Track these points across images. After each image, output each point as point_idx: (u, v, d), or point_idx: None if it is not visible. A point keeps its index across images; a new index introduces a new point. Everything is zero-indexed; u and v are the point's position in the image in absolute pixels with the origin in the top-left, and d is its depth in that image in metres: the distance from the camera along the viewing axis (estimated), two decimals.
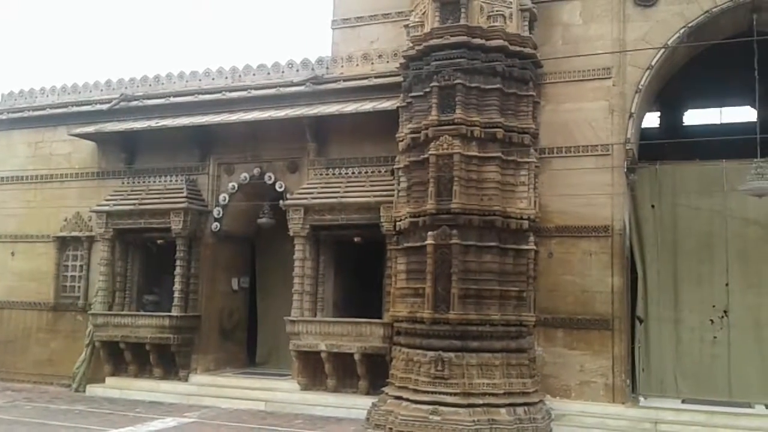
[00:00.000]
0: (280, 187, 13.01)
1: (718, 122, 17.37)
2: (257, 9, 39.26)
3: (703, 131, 16.68)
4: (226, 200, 13.58)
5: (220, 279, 14.01)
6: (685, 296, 11.42)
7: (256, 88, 13.45)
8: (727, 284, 11.18)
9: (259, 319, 14.81)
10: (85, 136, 14.43)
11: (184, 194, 13.37)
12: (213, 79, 14.00)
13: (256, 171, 13.29)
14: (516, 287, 10.34)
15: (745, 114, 16.52)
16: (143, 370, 13.57)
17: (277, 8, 39.65)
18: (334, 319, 12.13)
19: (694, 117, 17.69)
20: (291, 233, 12.25)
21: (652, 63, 10.75)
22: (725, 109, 17.39)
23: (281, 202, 12.64)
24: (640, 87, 10.79)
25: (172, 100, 14.07)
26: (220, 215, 13.59)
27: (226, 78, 13.89)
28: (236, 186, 13.51)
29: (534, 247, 10.55)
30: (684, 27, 10.69)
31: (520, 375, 10.18)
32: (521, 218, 10.41)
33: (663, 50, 10.70)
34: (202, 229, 13.60)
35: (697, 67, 12.32)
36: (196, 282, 13.55)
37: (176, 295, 13.22)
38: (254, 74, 13.66)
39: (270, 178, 13.15)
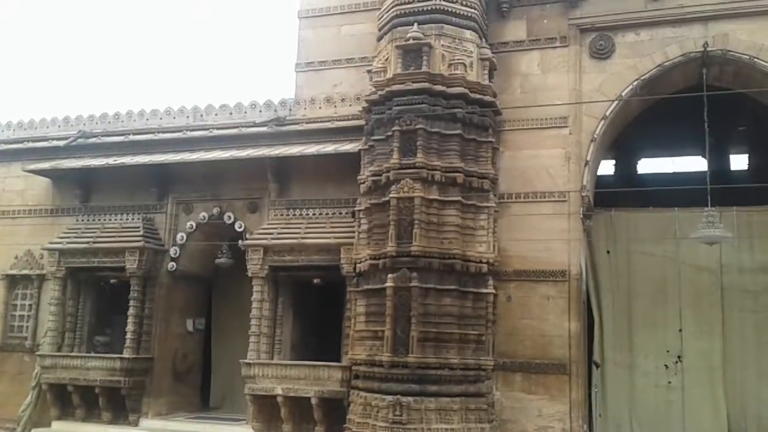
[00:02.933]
0: (240, 227, 12.89)
1: (671, 171, 17.93)
2: (221, 50, 39.45)
3: (656, 179, 17.19)
4: (184, 239, 13.38)
5: (175, 320, 13.70)
6: (640, 341, 11.58)
7: (217, 128, 13.41)
8: (680, 330, 11.40)
9: (214, 362, 14.48)
10: (40, 172, 14.13)
11: (141, 233, 13.14)
12: (174, 117, 13.92)
13: (215, 210, 13.16)
14: (475, 331, 10.36)
15: (696, 164, 17.10)
16: (91, 414, 13.07)
17: (241, 50, 39.91)
18: (291, 362, 11.91)
19: (647, 165, 18.24)
20: (249, 274, 12.09)
21: (607, 113, 11.10)
22: (677, 159, 18.00)
23: (240, 242, 12.52)
24: (595, 136, 11.11)
25: (132, 137, 13.92)
26: (177, 255, 13.37)
27: (188, 117, 13.82)
28: (194, 225, 13.34)
29: (493, 291, 10.62)
30: (637, 79, 11.09)
31: (478, 420, 10.12)
32: (480, 262, 10.49)
33: (617, 101, 11.07)
34: (158, 269, 13.34)
35: (650, 118, 12.74)
36: (150, 323, 13.21)
37: (128, 336, 12.86)
38: (216, 114, 13.64)
39: (230, 217, 13.03)
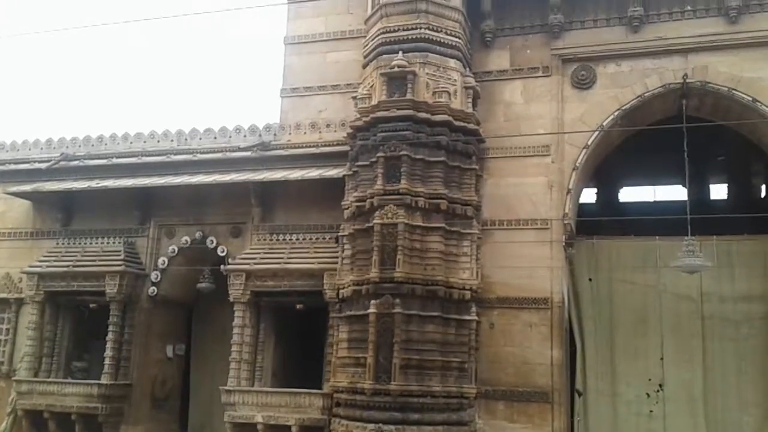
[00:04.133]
0: (222, 252, 12.81)
1: (652, 200, 18.13)
2: (207, 75, 39.55)
3: (637, 208, 17.36)
4: (165, 264, 13.27)
5: (155, 345, 13.51)
6: (622, 369, 11.59)
7: (202, 152, 13.39)
8: (661, 358, 11.43)
9: (193, 389, 14.26)
10: (21, 194, 13.99)
11: (122, 257, 13.02)
12: (158, 141, 13.89)
13: (198, 234, 13.09)
14: (458, 358, 10.32)
15: (677, 193, 17.32)
16: None
17: (226, 75, 40.05)
18: (272, 389, 11.77)
19: (629, 194, 18.43)
20: (231, 299, 11.99)
21: (589, 142, 11.24)
22: (658, 188, 18.22)
23: (222, 267, 12.43)
24: (577, 165, 11.23)
25: (115, 161, 13.85)
26: (158, 279, 13.24)
27: (172, 141, 13.80)
28: (176, 249, 13.25)
29: (476, 318, 10.61)
30: (618, 109, 11.26)
31: None
32: (464, 288, 10.49)
33: (599, 131, 11.21)
34: (138, 294, 13.20)
35: (631, 147, 12.91)
36: (129, 348, 13.03)
37: (107, 362, 12.67)
38: (201, 138, 13.63)
39: (212, 242, 12.96)
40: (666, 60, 11.26)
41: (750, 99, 10.75)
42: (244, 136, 13.30)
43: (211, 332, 14.01)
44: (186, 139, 13.71)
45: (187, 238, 13.17)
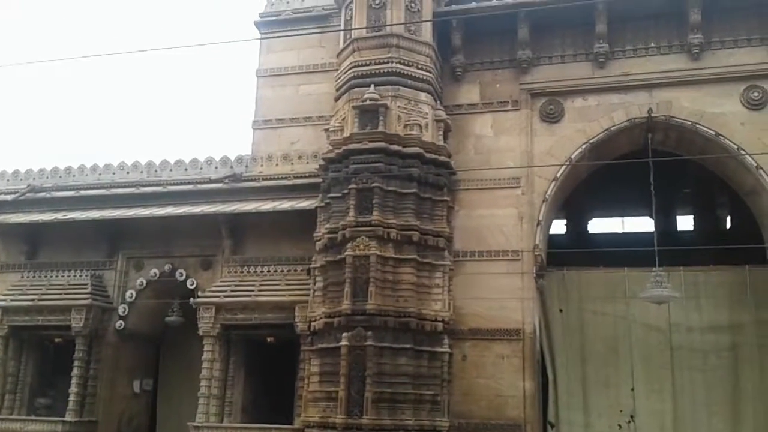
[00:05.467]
0: (192, 285, 12.65)
1: (620, 231, 18.38)
2: (178, 106, 39.47)
3: (606, 239, 17.56)
4: (133, 297, 13.05)
5: (121, 381, 13.22)
6: (593, 400, 11.61)
7: (172, 184, 13.29)
8: (632, 389, 11.48)
9: (160, 425, 13.92)
10: None
11: (88, 290, 12.78)
12: (128, 172, 13.77)
13: (167, 267, 12.91)
14: (431, 391, 10.25)
15: (644, 224, 17.59)
16: None
17: (198, 107, 39.99)
18: (242, 425, 11.55)
19: (598, 225, 18.67)
20: (201, 333, 11.81)
21: (558, 175, 11.40)
22: (626, 219, 18.49)
23: (192, 300, 12.25)
24: (546, 196, 11.37)
25: (83, 192, 13.67)
26: (126, 313, 13.01)
27: (142, 172, 13.69)
28: (145, 282, 13.05)
29: (448, 350, 10.58)
30: (586, 143, 11.46)
31: None
32: (436, 320, 10.47)
33: (567, 164, 11.39)
34: (105, 328, 12.93)
35: (599, 179, 13.13)
36: (95, 384, 12.72)
37: (72, 398, 12.34)
38: (171, 169, 13.54)
39: (181, 274, 12.79)
40: (631, 95, 11.52)
41: (713, 133, 11.03)
42: (216, 167, 13.25)
43: (180, 367, 13.74)
44: (156, 171, 13.61)
45: (155, 270, 12.99)
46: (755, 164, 10.75)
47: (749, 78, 11.08)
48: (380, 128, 10.85)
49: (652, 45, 11.50)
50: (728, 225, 16.68)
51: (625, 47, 11.60)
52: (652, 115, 11.27)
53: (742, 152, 10.82)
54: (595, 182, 13.15)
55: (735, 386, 11.34)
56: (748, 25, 11.12)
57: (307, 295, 11.21)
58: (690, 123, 11.18)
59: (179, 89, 40.22)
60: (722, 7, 11.06)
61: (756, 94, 10.99)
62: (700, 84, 11.28)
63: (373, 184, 10.60)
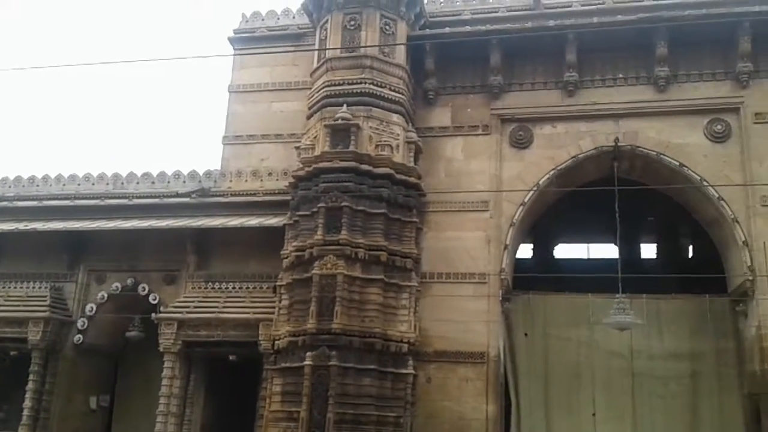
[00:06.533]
0: (154, 300, 12.43)
1: (586, 257, 18.59)
2: (148, 118, 39.03)
3: (571, 265, 17.76)
4: (94, 311, 12.77)
5: (78, 397, 12.89)
6: (556, 425, 11.66)
7: (138, 197, 13.12)
8: (594, 414, 11.55)
9: None
10: None
11: (47, 302, 12.47)
12: (93, 184, 13.55)
13: (129, 281, 12.69)
14: (394, 413, 10.17)
15: (609, 251, 17.81)
16: None
17: (167, 120, 39.62)
18: None
19: (563, 251, 18.87)
20: (161, 349, 11.60)
21: (525, 200, 11.52)
22: (592, 246, 18.72)
23: (154, 315, 12.03)
24: (514, 221, 11.47)
25: (46, 203, 13.41)
26: (85, 327, 12.72)
27: (107, 184, 13.48)
28: (106, 296, 12.79)
29: (413, 372, 10.53)
30: (554, 169, 11.63)
31: None
32: (401, 341, 10.43)
33: (535, 189, 11.52)
34: (63, 341, 12.62)
35: (566, 205, 13.30)
36: (50, 399, 12.39)
37: (26, 413, 11.99)
38: (138, 182, 13.36)
39: (144, 289, 12.57)
40: (599, 124, 11.73)
41: (677, 164, 11.27)
42: (184, 181, 13.11)
43: (138, 383, 13.47)
44: (122, 183, 13.43)
45: (117, 284, 12.75)
46: (717, 195, 11.00)
47: (713, 111, 11.38)
48: (351, 148, 10.87)
49: (620, 76, 11.76)
50: (690, 254, 16.99)
51: (594, 77, 11.84)
52: (619, 144, 11.49)
53: (705, 183, 11.07)
54: (562, 208, 13.32)
55: (694, 413, 11.49)
56: (713, 59, 11.46)
57: (272, 313, 11.09)
58: (655, 153, 11.41)
59: (150, 103, 39.87)
60: (688, 42, 11.37)
61: (719, 127, 11.28)
62: (665, 115, 11.55)
63: (343, 204, 10.58)
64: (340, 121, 11.00)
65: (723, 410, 11.36)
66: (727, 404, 11.35)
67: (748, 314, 10.95)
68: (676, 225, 16.18)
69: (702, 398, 11.53)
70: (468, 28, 12.06)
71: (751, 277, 10.59)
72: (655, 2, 11.89)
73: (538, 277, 13.84)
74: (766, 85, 11.23)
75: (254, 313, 11.46)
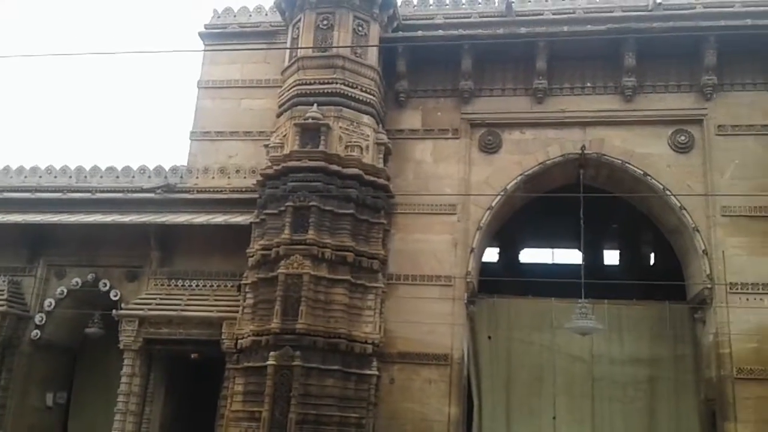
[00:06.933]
0: (115, 296, 12.22)
1: (551, 262, 18.83)
2: (114, 112, 38.42)
3: (536, 269, 17.95)
4: (52, 306, 12.50)
5: (34, 393, 12.59)
6: (516, 427, 11.77)
7: (101, 191, 12.89)
8: (554, 417, 11.69)
9: None
10: None
11: (5, 297, 12.19)
12: (55, 177, 13.28)
13: (90, 277, 12.45)
14: (356, 414, 10.16)
15: (573, 256, 18.07)
16: None
17: (134, 114, 39.03)
18: None
19: (529, 255, 19.08)
20: (121, 346, 11.41)
21: (493, 204, 11.62)
22: (557, 251, 18.96)
23: (114, 311, 11.82)
24: (481, 225, 11.55)
25: (5, 195, 13.07)
26: (43, 322, 12.43)
27: (70, 177, 13.22)
28: (66, 291, 12.53)
29: (377, 373, 10.53)
30: (521, 174, 11.74)
31: None
32: (366, 342, 10.42)
33: (502, 194, 11.62)
34: (20, 337, 12.33)
35: (533, 211, 13.43)
36: (5, 395, 12.10)
37: None
38: (101, 176, 13.13)
39: (105, 285, 12.35)
40: (566, 131, 11.88)
41: (641, 173, 11.47)
42: (149, 176, 12.92)
43: (96, 381, 13.23)
44: (85, 177, 13.18)
45: (78, 279, 12.50)
46: (679, 205, 11.23)
47: (677, 122, 11.61)
48: (321, 147, 10.83)
49: (589, 84, 11.93)
50: (652, 261, 17.31)
51: (563, 85, 11.99)
52: (585, 151, 11.64)
53: (668, 193, 11.28)
54: (528, 213, 13.45)
55: (651, 418, 11.71)
56: (679, 71, 11.69)
57: (236, 311, 10.99)
58: (620, 161, 11.60)
59: (117, 96, 39.23)
60: (656, 53, 11.58)
61: (683, 137, 11.51)
62: (631, 125, 11.74)
63: (311, 203, 10.54)
64: (310, 121, 10.96)
65: (680, 415, 11.60)
66: (684, 409, 11.59)
67: (706, 321, 11.19)
68: (639, 233, 16.47)
69: (660, 403, 11.75)
70: (440, 32, 12.12)
71: (709, 286, 10.82)
72: (624, 14, 12.09)
73: (503, 281, 13.99)
74: (729, 98, 11.50)
75: (218, 311, 11.34)
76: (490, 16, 12.56)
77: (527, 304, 12.29)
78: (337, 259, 10.53)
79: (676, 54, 11.61)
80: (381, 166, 11.40)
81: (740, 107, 11.43)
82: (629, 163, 11.56)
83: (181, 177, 12.83)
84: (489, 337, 12.10)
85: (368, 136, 11.38)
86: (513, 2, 12.49)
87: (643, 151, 11.58)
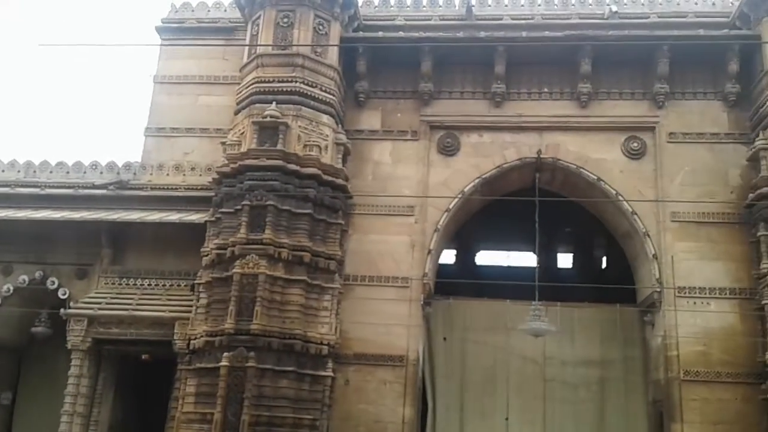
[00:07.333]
0: (64, 294, 11.89)
1: (506, 265, 19.04)
2: (66, 106, 37.43)
3: (492, 272, 18.13)
4: None
5: None
6: (469, 429, 11.87)
7: (51, 186, 12.52)
8: (507, 418, 11.82)
9: None
10: None
11: None
12: (2, 171, 12.85)
13: (38, 274, 12.09)
14: (310, 415, 10.09)
15: (528, 259, 18.31)
16: None
17: (87, 109, 38.09)
18: None
19: (485, 257, 19.26)
20: (69, 346, 11.12)
21: (450, 206, 11.69)
22: (512, 253, 19.19)
23: (62, 310, 11.51)
24: (438, 227, 11.61)
25: None
26: None
27: (18, 172, 12.80)
28: (12, 289, 12.13)
29: (332, 374, 10.49)
30: (479, 177, 11.84)
31: None
32: (321, 343, 10.37)
33: (460, 196, 11.69)
34: None
35: (489, 213, 13.54)
36: None
37: None
38: (51, 171, 12.76)
39: (53, 283, 12.01)
40: (523, 135, 12.02)
41: (595, 178, 11.68)
42: (101, 172, 12.61)
43: (43, 381, 12.88)
44: (35, 172, 12.79)
45: (25, 277, 12.13)
46: (630, 210, 11.47)
47: (630, 129, 11.86)
48: (279, 146, 10.73)
49: (545, 90, 12.09)
50: (604, 265, 17.66)
51: (521, 90, 12.13)
52: (541, 156, 11.81)
53: (620, 198, 11.51)
54: (485, 216, 13.57)
55: (601, 419, 11.93)
56: (632, 79, 11.94)
57: (189, 311, 10.82)
58: (575, 166, 11.79)
59: (71, 90, 38.21)
60: (611, 61, 11.81)
61: (635, 144, 11.76)
62: (586, 131, 11.95)
63: (268, 202, 10.43)
64: (268, 119, 10.85)
65: (629, 416, 11.85)
66: (632, 410, 11.84)
67: (654, 324, 11.46)
68: (592, 237, 16.78)
69: (609, 404, 11.98)
70: (401, 34, 12.14)
71: (658, 289, 11.08)
72: (581, 21, 12.30)
73: (459, 283, 14.09)
74: (680, 107, 11.80)
75: (170, 311, 11.14)
76: (451, 19, 12.62)
77: (482, 306, 12.40)
78: (294, 259, 10.45)
79: (631, 62, 11.86)
80: (340, 166, 11.36)
81: (691, 115, 11.74)
82: (584, 168, 11.76)
83: (135, 173, 12.56)
84: (444, 339, 12.17)
85: (327, 135, 11.32)
86: (473, 6, 12.59)
87: (597, 157, 11.79)
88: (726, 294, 10.91)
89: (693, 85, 11.83)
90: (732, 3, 12.05)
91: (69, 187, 12.48)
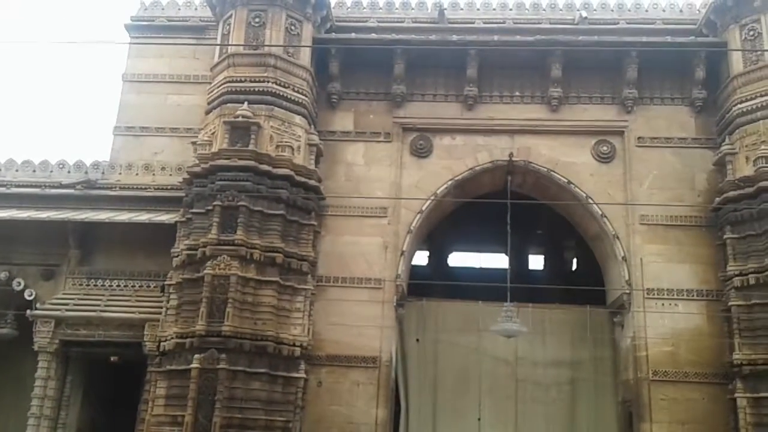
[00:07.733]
0: (30, 295, 11.64)
1: (478, 266, 19.15)
2: (32, 104, 36.72)
3: (464, 273, 18.23)
4: None
5: None
6: (442, 429, 11.93)
7: (17, 185, 12.28)
8: (479, 418, 11.89)
9: None
10: None
11: None
12: None
13: (3, 275, 11.83)
14: (282, 417, 10.04)
15: (500, 261, 18.42)
16: None
17: (54, 107, 37.42)
18: None
19: (457, 259, 19.35)
20: (36, 348, 10.91)
21: (423, 208, 11.73)
22: (484, 255, 19.30)
23: (29, 311, 11.27)
24: (411, 228, 11.64)
25: None
26: None
27: None
28: None
29: (304, 376, 10.45)
30: (451, 179, 11.90)
31: None
32: (294, 345, 10.33)
33: (432, 198, 11.74)
34: None
35: (462, 215, 13.65)
36: None
37: None
38: (17, 170, 12.50)
39: (19, 283, 11.76)
40: (495, 138, 12.12)
41: (566, 181, 11.82)
42: (68, 171, 12.40)
43: (8, 384, 12.64)
44: (0, 170, 12.51)
45: None
46: (600, 212, 11.63)
47: (600, 133, 12.03)
48: (251, 147, 10.67)
49: (517, 93, 12.21)
50: (574, 267, 17.86)
51: (493, 93, 12.23)
52: (513, 159, 11.91)
53: (590, 201, 11.67)
54: (457, 218, 13.64)
55: (572, 418, 12.08)
56: (602, 84, 12.12)
57: (159, 313, 10.70)
58: (546, 170, 11.92)
59: (38, 88, 37.49)
60: (581, 66, 11.97)
61: (605, 148, 11.93)
62: (556, 134, 12.09)
63: (240, 203, 10.36)
64: (240, 119, 10.77)
65: (599, 416, 12.01)
66: (602, 410, 12.01)
67: (624, 325, 11.63)
68: (562, 239, 16.97)
69: (580, 404, 12.14)
70: (374, 36, 12.15)
71: (628, 291, 11.25)
72: (552, 26, 12.46)
73: (432, 284, 14.14)
74: (649, 111, 12.01)
75: (140, 312, 10.99)
76: (423, 22, 12.69)
77: (455, 307, 12.46)
78: (266, 260, 10.39)
79: (600, 67, 12.04)
80: (312, 167, 11.33)
81: (659, 120, 11.96)
82: (554, 171, 11.89)
83: (103, 173, 12.37)
84: (417, 340, 12.21)
85: (300, 136, 11.28)
86: (445, 9, 12.66)
87: (568, 160, 11.94)
88: (693, 296, 11.12)
89: (661, 91, 12.05)
90: (699, 11, 12.32)
91: (36, 186, 12.26)
